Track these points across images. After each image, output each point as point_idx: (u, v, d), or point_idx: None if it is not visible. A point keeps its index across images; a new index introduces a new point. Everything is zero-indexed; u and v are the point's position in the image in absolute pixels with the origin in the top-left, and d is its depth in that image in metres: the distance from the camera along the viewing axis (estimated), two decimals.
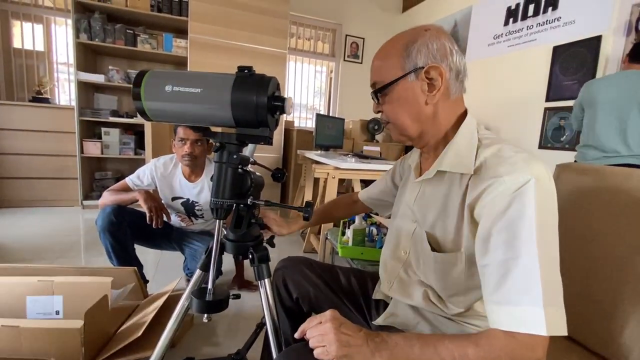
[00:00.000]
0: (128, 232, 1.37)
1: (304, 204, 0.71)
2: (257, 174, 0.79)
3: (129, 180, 1.48)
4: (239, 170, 0.70)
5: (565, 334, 0.44)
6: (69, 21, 2.80)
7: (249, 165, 0.73)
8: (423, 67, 0.57)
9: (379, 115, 0.66)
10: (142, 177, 1.48)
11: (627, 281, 0.67)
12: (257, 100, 0.63)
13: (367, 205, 0.97)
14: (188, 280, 1.28)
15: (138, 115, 0.75)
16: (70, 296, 1.01)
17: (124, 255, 1.38)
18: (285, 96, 0.67)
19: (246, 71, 0.68)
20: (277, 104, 0.65)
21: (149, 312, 1.02)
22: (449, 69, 0.57)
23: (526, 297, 0.44)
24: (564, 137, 2.25)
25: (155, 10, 2.96)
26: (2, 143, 2.75)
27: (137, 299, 1.21)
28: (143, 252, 1.62)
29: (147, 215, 1.29)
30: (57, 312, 1.01)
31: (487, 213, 0.50)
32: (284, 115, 0.70)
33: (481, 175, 0.53)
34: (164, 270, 1.90)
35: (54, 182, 2.94)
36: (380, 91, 0.61)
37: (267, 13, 3.16)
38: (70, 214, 2.84)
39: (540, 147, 2.40)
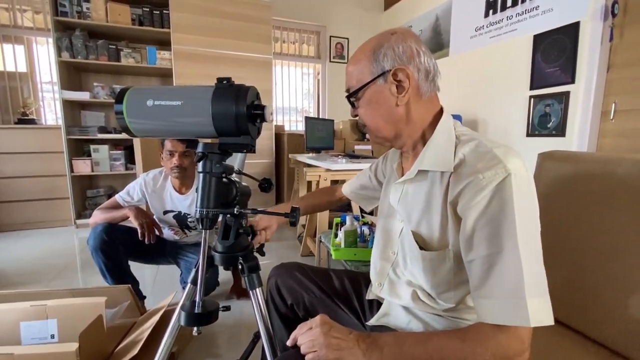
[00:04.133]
0: (121, 249, 1.36)
1: None
2: (244, 183, 0.79)
3: (119, 197, 1.47)
4: (224, 179, 0.70)
5: (551, 323, 0.45)
6: (50, 40, 2.77)
7: (234, 175, 0.73)
8: (390, 70, 0.58)
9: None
10: (132, 193, 1.47)
11: (614, 265, 0.68)
12: (236, 109, 0.63)
13: (350, 198, 0.98)
14: None
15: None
16: (65, 319, 1.00)
17: (118, 273, 1.37)
18: (266, 104, 0.68)
19: (225, 82, 0.68)
20: (257, 112, 0.66)
21: (146, 329, 1.01)
22: (416, 70, 0.58)
23: (510, 290, 0.45)
24: (550, 123, 2.27)
25: (136, 24, 2.95)
26: None
27: (133, 316, 1.20)
28: (139, 267, 1.61)
29: (139, 231, 1.28)
30: (53, 336, 1.00)
31: (469, 210, 0.50)
32: (271, 121, 0.71)
33: (461, 172, 0.53)
34: (162, 284, 1.88)
35: (46, 203, 2.91)
36: (352, 96, 0.63)
37: (250, 20, 3.16)
38: (64, 234, 2.81)
39: (528, 135, 2.43)
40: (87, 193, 3.13)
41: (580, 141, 2.10)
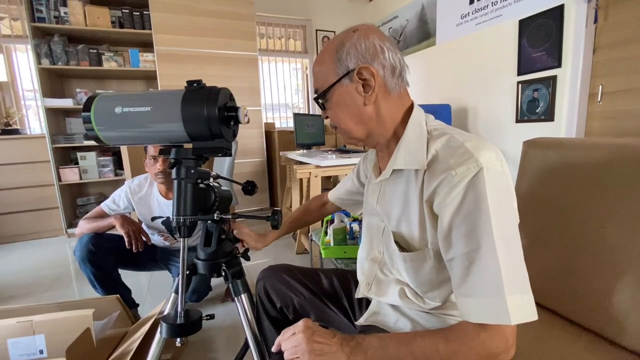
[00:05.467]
0: (110, 259, 1.34)
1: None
2: (224, 187, 0.77)
3: (105, 205, 1.44)
4: (201, 185, 0.68)
5: (534, 319, 0.44)
6: (30, 47, 2.70)
7: (211, 180, 0.71)
8: (354, 69, 0.56)
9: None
10: (117, 201, 1.45)
11: (604, 251, 0.68)
12: (207, 112, 0.61)
13: (337, 205, 0.96)
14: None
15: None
16: (53, 334, 0.98)
17: (108, 282, 1.35)
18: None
19: (195, 84, 0.66)
20: (231, 114, 0.64)
21: (135, 340, 0.99)
22: (381, 67, 0.57)
23: (489, 288, 0.44)
24: (539, 108, 2.27)
25: (117, 26, 2.88)
26: None
27: (125, 326, 1.18)
28: (133, 274, 1.58)
29: (126, 240, 1.26)
30: (41, 352, 0.98)
31: (444, 207, 0.49)
32: (247, 123, 0.68)
33: (434, 169, 0.52)
34: (157, 289, 1.87)
35: (36, 214, 2.86)
36: (320, 97, 0.61)
37: (232, 17, 3.11)
38: (55, 244, 2.77)
39: (518, 121, 2.42)
40: (78, 201, 3.09)
41: (568, 125, 2.10)
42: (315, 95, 0.62)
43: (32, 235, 2.87)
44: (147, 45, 3.00)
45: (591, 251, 0.68)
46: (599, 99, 1.98)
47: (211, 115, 0.60)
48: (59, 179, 2.83)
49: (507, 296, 0.43)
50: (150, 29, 2.85)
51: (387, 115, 0.59)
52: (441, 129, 0.57)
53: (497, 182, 0.47)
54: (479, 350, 0.44)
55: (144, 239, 1.32)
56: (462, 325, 0.47)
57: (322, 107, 0.63)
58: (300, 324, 0.53)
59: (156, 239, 1.53)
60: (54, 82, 2.96)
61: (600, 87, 1.97)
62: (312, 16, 4.03)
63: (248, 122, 0.67)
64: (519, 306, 0.43)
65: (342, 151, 2.44)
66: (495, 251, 0.44)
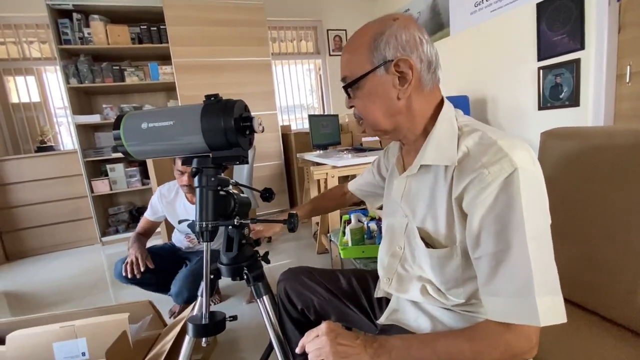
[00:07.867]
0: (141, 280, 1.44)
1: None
2: (243, 194, 0.80)
3: (146, 214, 1.59)
4: (221, 192, 0.71)
5: (564, 321, 0.43)
6: (58, 68, 2.88)
7: (230, 187, 0.74)
8: (392, 60, 0.54)
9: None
10: (154, 207, 1.58)
11: (630, 242, 0.65)
12: (225, 124, 0.64)
13: (357, 196, 0.96)
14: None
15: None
16: (93, 337, 1.05)
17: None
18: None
19: (212, 98, 0.69)
20: (246, 124, 0.67)
21: (168, 341, 1.05)
22: (419, 61, 0.54)
23: (519, 288, 0.44)
24: (563, 94, 2.17)
25: (136, 42, 3.01)
26: (17, 196, 2.86)
27: (157, 328, 1.25)
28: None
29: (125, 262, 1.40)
30: (84, 354, 1.05)
31: (475, 207, 0.48)
32: (261, 132, 0.71)
33: (465, 166, 0.51)
34: None
35: (71, 224, 3.04)
36: (350, 86, 0.59)
37: (244, 24, 3.17)
38: (91, 252, 2.94)
39: (540, 108, 2.33)
40: (109, 211, 3.26)
41: (596, 109, 2.00)
42: (344, 84, 0.59)
43: (69, 245, 3.06)
44: (165, 58, 3.11)
45: (617, 243, 0.66)
46: (627, 80, 1.88)
47: (228, 126, 0.64)
48: (92, 191, 3.00)
49: (537, 297, 0.42)
50: (168, 42, 2.96)
51: (418, 110, 0.57)
52: (472, 125, 0.55)
53: (531, 184, 0.46)
54: (503, 349, 0.44)
55: (142, 267, 1.40)
56: (485, 325, 0.47)
57: (350, 95, 0.61)
58: (323, 326, 0.53)
59: (182, 242, 1.66)
60: (82, 99, 3.13)
61: (629, 67, 1.87)
62: (323, 16, 4.04)
63: (263, 131, 0.70)
64: (549, 308, 0.43)
65: (358, 150, 2.44)
66: (527, 252, 0.44)
